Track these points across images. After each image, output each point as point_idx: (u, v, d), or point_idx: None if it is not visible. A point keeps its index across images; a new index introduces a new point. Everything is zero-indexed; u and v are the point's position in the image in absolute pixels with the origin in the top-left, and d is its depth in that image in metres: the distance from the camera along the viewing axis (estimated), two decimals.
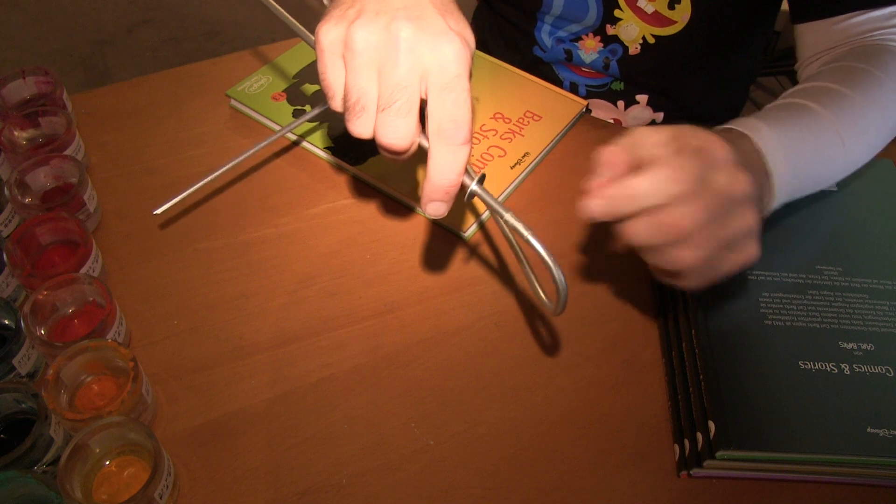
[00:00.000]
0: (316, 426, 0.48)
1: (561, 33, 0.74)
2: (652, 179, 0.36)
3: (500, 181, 0.62)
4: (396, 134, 0.36)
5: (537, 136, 0.66)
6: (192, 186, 0.51)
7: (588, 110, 0.71)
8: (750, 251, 0.39)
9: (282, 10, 0.46)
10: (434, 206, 0.37)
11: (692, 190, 0.36)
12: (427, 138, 0.37)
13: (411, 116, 0.36)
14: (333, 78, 0.38)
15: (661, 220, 0.36)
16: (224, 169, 0.52)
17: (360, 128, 0.37)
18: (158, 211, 0.51)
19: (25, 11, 2.12)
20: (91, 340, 0.45)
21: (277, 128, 0.67)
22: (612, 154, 0.38)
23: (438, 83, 0.35)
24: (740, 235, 0.38)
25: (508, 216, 0.37)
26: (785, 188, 0.46)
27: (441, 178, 0.36)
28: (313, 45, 0.39)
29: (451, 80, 0.35)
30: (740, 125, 0.46)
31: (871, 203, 0.58)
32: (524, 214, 0.62)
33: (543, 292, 0.43)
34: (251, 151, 0.53)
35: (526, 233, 0.36)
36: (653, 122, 0.77)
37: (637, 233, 0.37)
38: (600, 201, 0.37)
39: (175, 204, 0.51)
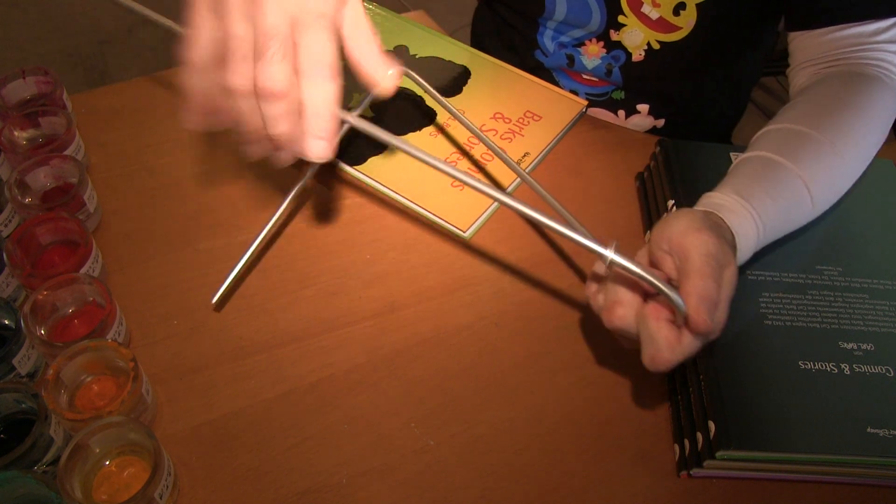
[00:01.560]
0: (316, 426, 0.48)
1: (564, 38, 0.73)
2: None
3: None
4: (273, 79, 0.37)
5: (537, 136, 0.67)
6: (240, 261, 0.52)
7: (587, 108, 0.71)
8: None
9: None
10: (314, 145, 0.38)
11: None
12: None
13: (286, 62, 0.37)
14: (202, 29, 0.38)
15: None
16: (268, 227, 0.53)
17: (238, 78, 0.37)
18: (215, 299, 0.51)
19: (25, 11, 2.11)
20: (91, 340, 0.45)
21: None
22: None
23: (302, 24, 0.36)
24: None
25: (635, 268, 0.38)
26: (750, 251, 0.48)
27: (314, 117, 0.37)
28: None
29: (312, 19, 0.36)
30: (716, 208, 0.48)
31: (871, 203, 0.58)
32: None
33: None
34: (287, 200, 0.54)
35: (663, 286, 0.39)
36: (654, 129, 0.77)
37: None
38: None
39: (230, 284, 0.52)
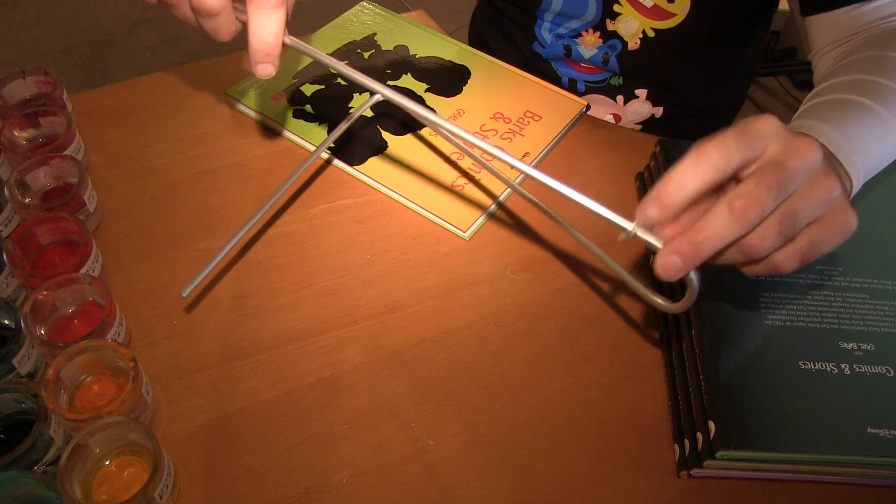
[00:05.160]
0: (316, 426, 0.48)
1: (561, 30, 0.74)
2: (723, 221, 0.34)
3: (500, 181, 0.62)
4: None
5: (537, 136, 0.67)
6: (219, 253, 0.47)
7: (588, 108, 0.71)
8: (843, 219, 0.37)
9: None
10: (261, 67, 0.41)
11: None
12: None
13: None
14: None
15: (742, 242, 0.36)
16: (256, 217, 0.51)
17: None
18: (186, 293, 0.45)
19: (25, 11, 2.12)
20: (91, 340, 0.45)
21: (300, 143, 0.67)
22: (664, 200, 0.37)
23: None
24: (820, 208, 0.36)
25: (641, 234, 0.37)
26: (860, 183, 0.46)
27: (260, 43, 0.40)
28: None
29: None
30: (808, 130, 0.45)
31: (871, 203, 0.58)
32: (524, 214, 0.62)
33: (657, 295, 0.43)
34: (284, 187, 0.53)
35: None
36: (652, 117, 0.78)
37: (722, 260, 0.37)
38: (677, 260, 0.35)
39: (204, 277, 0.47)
